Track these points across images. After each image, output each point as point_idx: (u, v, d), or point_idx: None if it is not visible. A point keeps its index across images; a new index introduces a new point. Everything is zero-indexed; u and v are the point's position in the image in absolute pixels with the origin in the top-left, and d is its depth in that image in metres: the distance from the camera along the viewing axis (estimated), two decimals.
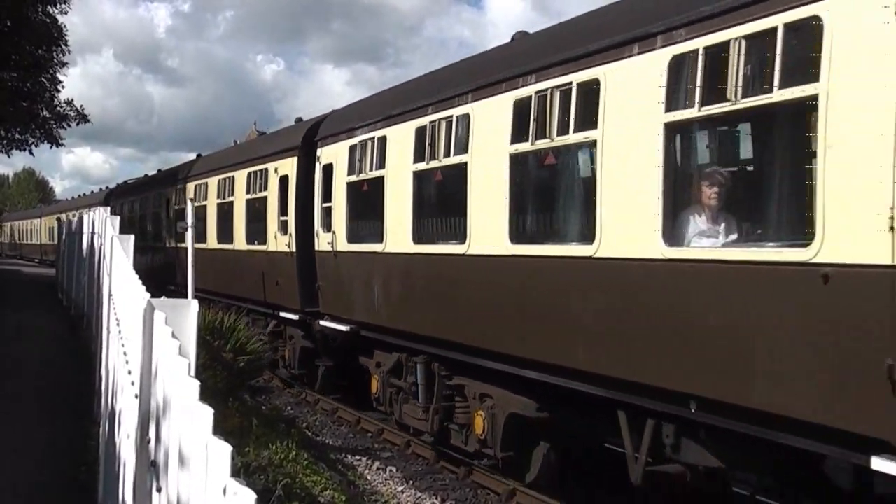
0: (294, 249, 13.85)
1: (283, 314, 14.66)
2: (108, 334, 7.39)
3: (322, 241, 12.70)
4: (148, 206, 25.66)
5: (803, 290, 5.30)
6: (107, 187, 41.23)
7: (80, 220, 18.17)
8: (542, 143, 7.68)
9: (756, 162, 6.62)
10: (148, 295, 3.96)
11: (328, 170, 12.53)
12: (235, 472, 1.95)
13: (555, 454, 9.07)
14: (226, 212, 17.51)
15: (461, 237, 8.97)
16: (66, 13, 25.90)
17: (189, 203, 14.70)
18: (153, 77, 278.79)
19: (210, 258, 17.69)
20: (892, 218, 4.75)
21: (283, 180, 14.34)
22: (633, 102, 6.61)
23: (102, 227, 11.08)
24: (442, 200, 9.73)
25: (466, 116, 8.93)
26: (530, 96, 7.83)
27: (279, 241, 14.49)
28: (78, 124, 27.94)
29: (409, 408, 10.88)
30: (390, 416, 11.83)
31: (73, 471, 7.62)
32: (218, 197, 17.98)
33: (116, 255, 7.37)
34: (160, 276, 20.97)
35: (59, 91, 27.28)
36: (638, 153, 6.52)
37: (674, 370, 6.40)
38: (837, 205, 5.08)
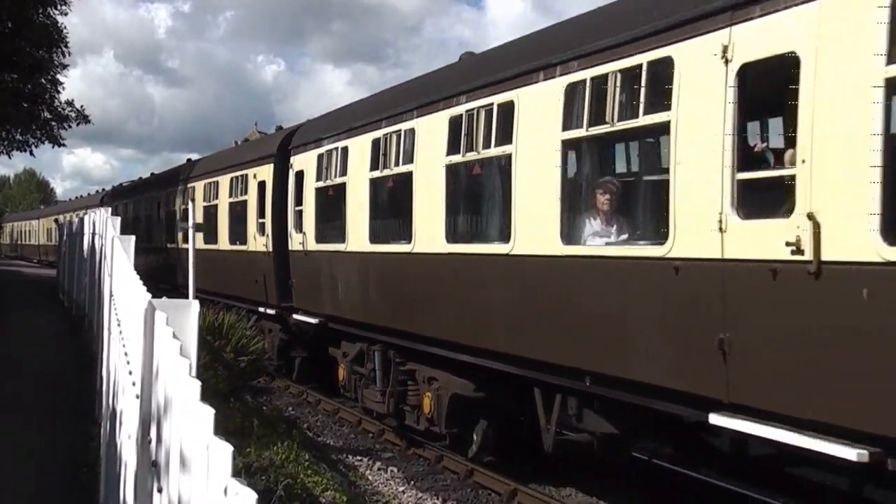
0: (271, 249, 14.99)
1: (261, 309, 15.79)
2: (108, 335, 7.36)
3: (295, 242, 13.84)
4: (141, 209, 26.80)
5: (661, 280, 6.42)
6: (103, 189, 42.37)
7: (81, 221, 18.37)
8: (471, 156, 8.82)
9: (629, 175, 7.73)
10: (149, 295, 3.98)
11: (300, 176, 13.67)
12: (236, 473, 1.95)
13: (492, 430, 10.19)
14: (211, 214, 18.63)
15: (408, 238, 10.10)
16: (66, 14, 25.88)
17: (190, 204, 14.97)
18: (154, 78, 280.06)
19: (197, 258, 18.79)
20: (720, 221, 5.87)
21: (262, 185, 15.48)
22: (539, 122, 7.74)
23: (103, 227, 11.09)
24: (393, 205, 10.85)
25: (412, 130, 10.07)
26: (462, 114, 8.97)
27: (258, 242, 15.63)
28: (79, 125, 27.80)
29: (370, 392, 12.00)
30: (355, 402, 12.95)
31: (74, 471, 7.62)
32: (204, 200, 19.12)
33: (117, 255, 7.36)
34: (154, 276, 22.08)
35: (59, 92, 27.23)
36: (542, 166, 7.65)
37: (573, 350, 7.52)
38: (684, 210, 6.20)
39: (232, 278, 17.04)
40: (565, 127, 7.39)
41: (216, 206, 18.22)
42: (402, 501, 9.64)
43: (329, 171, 12.53)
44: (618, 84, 6.83)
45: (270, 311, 15.23)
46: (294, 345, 15.48)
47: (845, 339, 5.15)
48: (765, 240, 5.56)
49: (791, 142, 5.54)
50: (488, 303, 8.69)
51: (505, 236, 8.26)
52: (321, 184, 12.83)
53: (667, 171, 6.40)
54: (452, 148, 9.16)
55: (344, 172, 11.97)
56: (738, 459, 7.82)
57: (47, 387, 11.54)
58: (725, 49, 5.84)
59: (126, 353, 4.86)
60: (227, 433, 2.17)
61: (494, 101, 8.43)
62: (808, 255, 5.27)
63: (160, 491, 3.10)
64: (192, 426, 2.43)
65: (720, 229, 5.88)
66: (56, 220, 40.78)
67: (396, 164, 10.43)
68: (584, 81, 7.20)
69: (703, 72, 6.02)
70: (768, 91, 5.76)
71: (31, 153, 28.52)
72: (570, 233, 7.46)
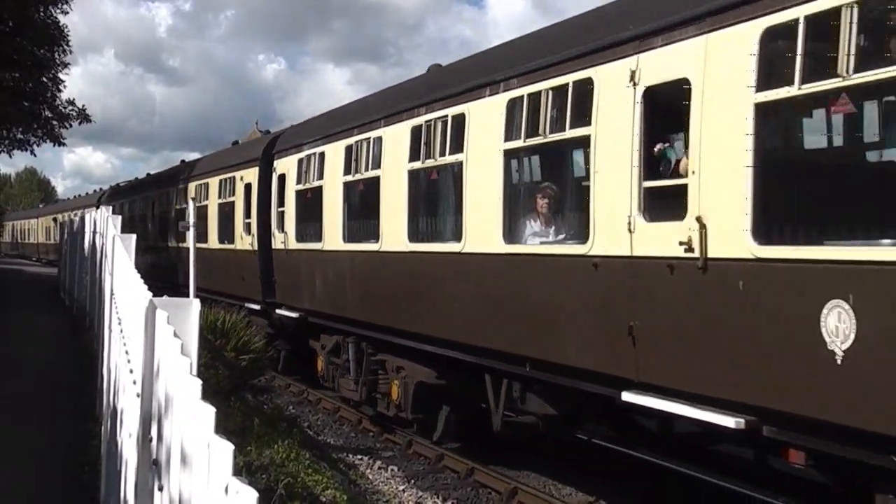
0: (256, 248, 15.83)
1: (248, 305, 16.62)
2: (109, 333, 7.37)
3: (277, 241, 14.69)
4: (136, 209, 27.65)
5: (583, 275, 7.25)
6: (100, 189, 43.23)
7: (83, 219, 18.45)
8: (430, 163, 9.67)
9: (560, 182, 8.56)
10: (150, 294, 3.98)
11: (282, 179, 14.52)
12: (237, 472, 1.94)
13: (454, 415, 11.02)
14: (202, 214, 19.45)
15: (376, 237, 10.94)
16: (67, 13, 25.71)
17: (190, 202, 14.88)
18: (154, 77, 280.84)
19: (189, 255, 19.65)
20: (629, 223, 6.71)
21: (248, 187, 16.33)
22: (486, 133, 8.57)
23: (104, 226, 11.08)
24: (363, 207, 11.69)
25: (380, 138, 10.91)
26: (422, 124, 9.81)
27: (244, 241, 16.48)
28: (80, 124, 27.41)
29: (345, 381, 12.84)
30: (333, 391, 13.79)
31: (74, 470, 7.64)
32: (195, 201, 19.92)
33: (118, 254, 7.36)
34: (149, 274, 22.90)
35: (60, 91, 26.90)
36: (488, 173, 8.49)
37: (515, 338, 8.36)
38: (601, 214, 7.04)
39: (221, 276, 17.88)
40: (507, 138, 8.23)
41: (206, 206, 19.07)
42: (403, 500, 9.65)
43: (308, 174, 13.37)
44: (549, 100, 7.67)
45: (256, 307, 16.07)
46: (279, 338, 16.31)
47: (726, 324, 5.99)
48: (664, 239, 6.39)
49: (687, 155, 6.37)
50: (444, 296, 9.53)
51: (457, 236, 9.10)
52: (301, 186, 13.67)
53: (588, 179, 7.24)
54: (414, 155, 10.00)
55: (321, 176, 12.81)
56: (665, 437, 8.68)
57: (48, 385, 11.58)
58: (633, 73, 6.68)
59: (127, 352, 4.85)
60: (228, 432, 2.26)
61: (449, 114, 9.27)
62: (697, 253, 6.09)
63: (161, 489, 3.09)
64: (193, 425, 2.42)
65: (629, 230, 6.71)
66: (55, 220, 41.64)
67: (366, 169, 11.27)
68: (522, 97, 8.04)
69: (616, 92, 6.86)
70: (668, 111, 6.57)
71: (32, 152, 28.22)
72: (511, 233, 8.29)
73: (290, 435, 10.26)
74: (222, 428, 2.19)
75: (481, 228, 8.66)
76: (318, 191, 12.88)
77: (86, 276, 15.66)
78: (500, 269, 8.43)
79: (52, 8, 25.05)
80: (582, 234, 7.37)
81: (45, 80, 26.16)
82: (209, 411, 2.22)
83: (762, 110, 5.68)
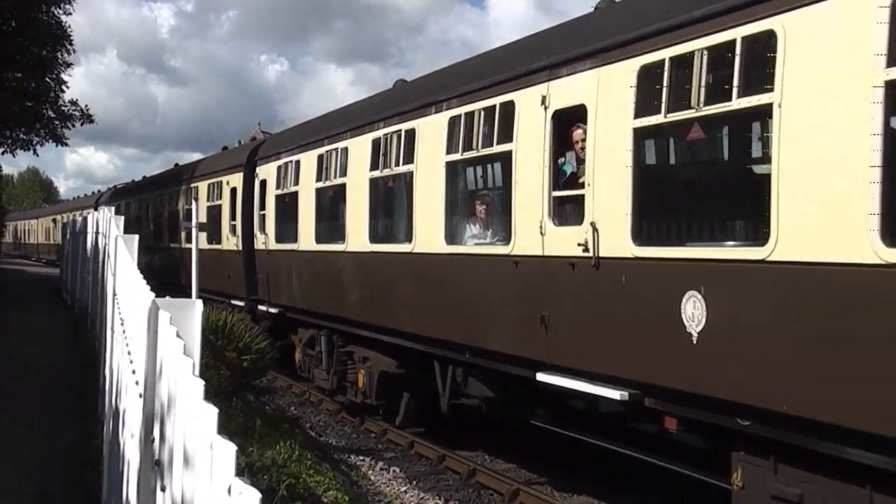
0: (241, 248, 16.94)
1: (233, 301, 17.72)
2: (112, 334, 7.37)
3: (259, 242, 15.80)
4: (132, 210, 28.77)
5: (507, 272, 8.34)
6: (98, 190, 44.38)
7: (85, 220, 18.51)
8: (387, 172, 10.77)
9: (491, 190, 9.64)
10: (152, 294, 3.99)
11: (263, 184, 15.64)
12: (239, 472, 1.95)
13: (414, 401, 12.11)
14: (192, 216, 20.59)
15: (343, 239, 12.04)
16: (69, 13, 25.81)
17: (194, 204, 14.98)
18: (157, 77, 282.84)
19: (180, 255, 20.80)
20: (541, 227, 7.80)
21: (233, 191, 17.44)
22: (432, 146, 9.67)
23: (106, 227, 11.07)
24: (332, 211, 12.79)
25: (346, 149, 12.01)
26: (381, 137, 10.91)
27: (230, 242, 17.58)
28: (83, 124, 27.61)
29: (318, 371, 13.94)
30: (309, 381, 14.87)
31: (77, 470, 7.67)
32: (186, 203, 21.06)
33: (121, 254, 7.39)
34: (142, 274, 24.01)
35: (63, 91, 27.08)
36: (433, 181, 9.58)
37: (456, 328, 9.45)
38: (520, 218, 8.13)
39: (209, 274, 18.93)
40: (448, 151, 9.34)
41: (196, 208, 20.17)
42: (405, 501, 9.69)
43: (286, 180, 14.48)
44: (482, 119, 8.77)
45: (240, 303, 17.17)
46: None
47: (612, 312, 7.08)
48: (567, 241, 7.48)
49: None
50: (400, 292, 10.63)
51: (409, 238, 10.20)
52: (280, 191, 14.78)
53: (510, 188, 8.33)
54: (374, 165, 11.11)
55: (297, 182, 13.92)
56: (592, 416, 9.78)
57: (50, 385, 11.64)
58: (544, 98, 7.79)
59: (129, 353, 4.87)
60: (230, 433, 2.30)
61: (403, 128, 10.37)
62: (591, 253, 7.19)
63: (163, 490, 3.10)
64: (195, 425, 2.43)
65: (541, 233, 7.81)
66: (54, 220, 42.78)
67: (335, 176, 12.38)
68: (460, 115, 9.14)
69: (532, 114, 7.96)
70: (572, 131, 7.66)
71: (35, 152, 28.29)
72: (452, 235, 9.39)
73: (292, 436, 10.29)
74: (224, 429, 2.19)
75: (428, 231, 9.75)
76: (295, 196, 13.98)
77: (88, 276, 15.64)
78: (442, 268, 9.54)
79: (54, 8, 25.24)
80: (507, 237, 8.46)
81: (47, 80, 26.39)
82: (212, 412, 2.22)
83: (639, 134, 6.78)
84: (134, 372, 4.39)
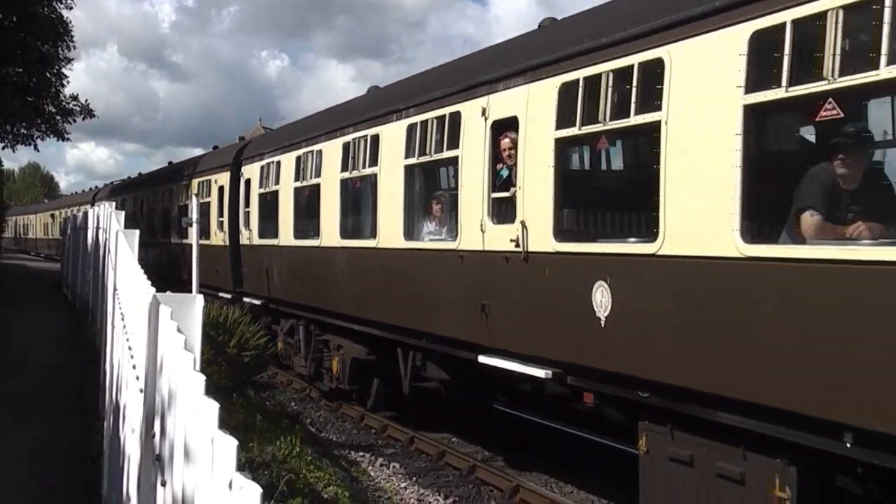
0: (227, 243, 17.89)
1: (221, 294, 18.68)
2: (112, 329, 7.39)
3: (244, 237, 16.76)
4: (128, 206, 29.69)
5: (455, 265, 9.29)
6: (95, 187, 45.33)
7: (86, 215, 18.60)
8: (355, 173, 11.72)
9: (444, 192, 10.57)
10: (153, 289, 3.99)
11: (248, 183, 16.60)
12: (240, 468, 1.95)
13: (384, 386, 13.06)
14: (184, 213, 21.53)
15: (317, 235, 12.99)
16: (71, 8, 25.71)
17: (194, 199, 14.88)
18: (158, 72, 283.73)
19: (172, 251, 21.79)
20: (482, 225, 8.74)
21: (221, 189, 18.39)
22: (393, 150, 10.61)
23: (107, 222, 11.09)
24: (308, 209, 13.73)
25: (321, 151, 12.96)
26: (350, 141, 11.86)
27: (218, 237, 18.53)
28: (84, 119, 27.40)
29: (297, 359, 14.91)
30: (290, 368, 15.83)
31: (77, 466, 7.68)
32: (178, 200, 22.03)
33: (121, 249, 7.43)
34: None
35: (64, 86, 26.79)
36: (394, 183, 10.53)
37: (415, 316, 10.39)
38: (465, 217, 9.07)
39: (199, 268, 19.91)
40: (406, 155, 10.28)
41: (187, 205, 21.12)
42: (405, 497, 9.73)
43: (268, 180, 15.44)
44: (434, 127, 9.71)
45: (227, 295, 18.13)
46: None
47: (539, 300, 8.02)
48: (503, 238, 8.42)
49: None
50: (367, 284, 11.58)
51: (374, 234, 11.14)
52: (262, 190, 15.73)
53: (457, 190, 9.28)
54: (344, 166, 12.05)
55: (277, 182, 14.87)
56: (538, 398, 10.74)
57: (50, 381, 11.68)
58: (485, 110, 8.72)
59: (130, 348, 4.87)
60: (230, 428, 2.28)
61: (368, 133, 11.32)
62: (522, 248, 8.13)
63: (164, 485, 3.11)
64: (196, 420, 2.43)
65: (482, 230, 8.75)
66: (52, 216, 43.73)
67: (311, 177, 13.33)
68: (416, 123, 10.08)
69: (475, 124, 8.90)
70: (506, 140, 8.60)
71: (36, 147, 28.06)
72: (410, 232, 10.34)
73: (292, 431, 10.37)
74: (225, 424, 2.18)
75: (389, 228, 10.70)
76: (276, 194, 14.93)
77: (88, 271, 15.67)
78: (402, 261, 10.49)
79: (55, 3, 25.09)
80: (455, 234, 9.40)
81: (48, 75, 26.14)
82: (213, 407, 2.22)
83: (559, 143, 7.71)
84: (135, 367, 4.39)
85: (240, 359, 12.17)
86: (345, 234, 12.17)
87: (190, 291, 19.09)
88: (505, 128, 8.55)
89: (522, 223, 8.09)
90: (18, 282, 29.98)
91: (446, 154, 9.47)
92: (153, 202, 25.69)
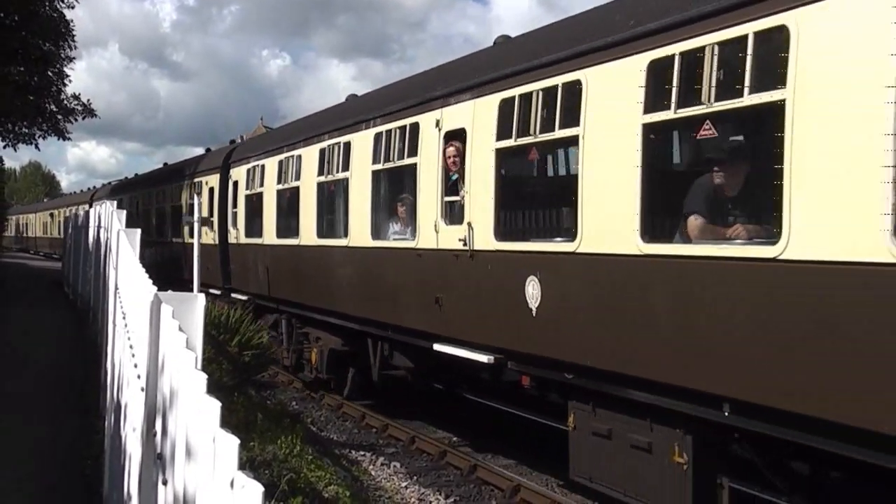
0: (217, 242, 18.85)
1: (211, 290, 19.64)
2: (113, 328, 7.40)
3: (231, 236, 17.73)
4: (123, 206, 30.67)
5: (413, 262, 10.24)
6: (92, 187, 46.33)
7: (87, 214, 18.86)
8: (330, 177, 12.68)
9: (406, 195, 11.52)
10: (155, 288, 3.99)
11: (236, 185, 17.57)
12: (241, 467, 1.96)
13: (358, 375, 14.00)
14: (178, 213, 22.52)
15: (297, 234, 13.95)
16: (72, 7, 25.95)
17: (196, 198, 15.32)
18: (159, 71, 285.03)
19: (165, 249, 22.77)
20: (436, 226, 9.69)
21: (211, 191, 19.35)
22: (362, 157, 11.57)
23: (108, 221, 11.13)
24: (290, 209, 14.69)
25: (300, 156, 13.91)
26: (325, 147, 12.81)
27: (208, 236, 19.46)
28: (84, 118, 27.64)
29: (280, 351, 15.85)
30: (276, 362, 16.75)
31: (78, 464, 7.69)
32: (171, 201, 23.00)
33: (123, 248, 7.44)
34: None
35: (66, 85, 27.05)
36: (363, 186, 11.48)
37: (381, 309, 11.34)
38: (422, 219, 10.02)
39: (191, 265, 20.89)
40: (373, 161, 11.24)
41: (180, 206, 22.12)
42: (405, 497, 9.76)
43: (253, 182, 16.40)
44: (397, 136, 10.66)
45: (217, 292, 19.09)
46: None
47: (483, 293, 8.97)
48: (453, 237, 9.37)
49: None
50: (341, 279, 12.53)
51: (346, 234, 12.10)
52: (248, 192, 16.70)
53: (415, 195, 10.23)
54: (321, 171, 13.01)
55: (262, 184, 15.83)
56: (495, 384, 11.68)
57: (51, 380, 11.74)
58: (438, 122, 9.67)
59: (131, 346, 4.87)
60: (232, 427, 2.18)
61: (341, 141, 12.27)
62: (468, 247, 9.07)
63: (165, 483, 3.11)
64: (198, 419, 2.44)
65: (436, 231, 9.70)
66: (51, 215, 44.70)
67: (291, 180, 14.29)
68: (382, 132, 11.04)
69: (431, 134, 9.85)
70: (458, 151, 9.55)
71: (37, 146, 28.28)
72: (376, 232, 11.29)
73: (293, 431, 10.41)
74: (226, 423, 2.19)
75: (359, 228, 11.66)
76: (260, 196, 15.90)
77: (90, 270, 15.76)
78: (369, 259, 11.45)
79: (57, 2, 25.39)
80: (414, 234, 10.35)
81: (50, 74, 26.37)
82: (215, 405, 2.23)
83: (499, 153, 8.66)
84: (136, 366, 4.39)
85: (241, 358, 12.20)
86: (321, 233, 13.12)
87: (184, 290, 20.03)
88: (455, 138, 9.49)
89: (469, 224, 9.03)
90: (19, 280, 30.03)
91: (407, 161, 10.43)
92: (148, 202, 26.66)
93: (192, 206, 20.01)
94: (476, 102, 9.06)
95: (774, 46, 5.76)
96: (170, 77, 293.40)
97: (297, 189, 14.02)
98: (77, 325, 16.90)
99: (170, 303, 3.55)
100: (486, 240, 8.82)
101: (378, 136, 11.17)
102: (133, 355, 4.67)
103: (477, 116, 9.01)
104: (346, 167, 12.12)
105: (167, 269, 21.85)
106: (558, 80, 7.79)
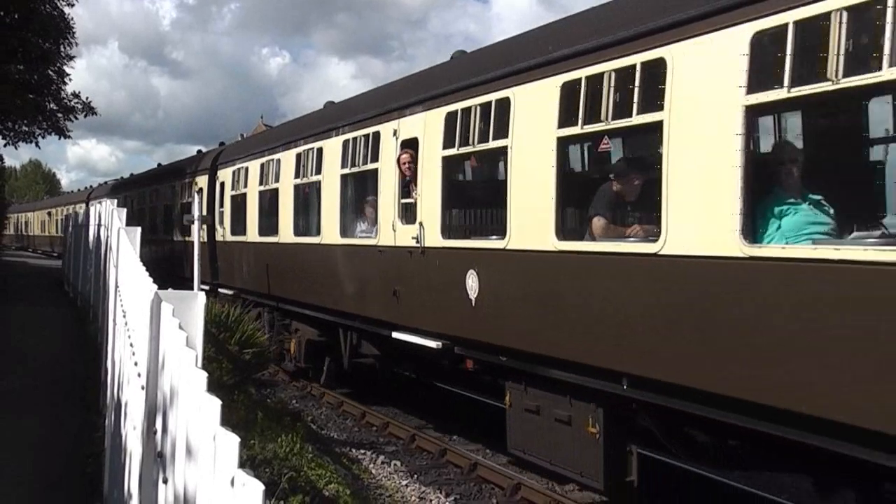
0: (206, 240, 19.89)
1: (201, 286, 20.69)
2: (114, 326, 7.42)
3: (219, 234, 18.79)
4: (119, 205, 31.74)
5: (374, 257, 11.28)
6: (89, 186, 47.39)
7: (87, 212, 18.90)
8: (305, 180, 13.73)
9: (370, 198, 12.56)
10: (155, 286, 3.99)
11: (222, 186, 18.62)
12: (241, 465, 1.96)
13: (334, 364, 15.05)
14: (170, 212, 23.58)
15: (277, 232, 15.00)
16: (72, 5, 25.98)
17: (196, 196, 15.36)
18: (159, 69, 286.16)
19: (159, 247, 23.83)
20: (393, 225, 10.73)
21: (200, 191, 20.38)
22: (333, 162, 12.61)
23: (109, 219, 11.21)
24: (270, 209, 15.75)
25: (279, 160, 14.96)
26: (301, 152, 13.87)
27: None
28: (85, 116, 27.61)
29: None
30: None
31: (78, 462, 7.71)
32: (164, 201, 24.06)
33: (123, 246, 7.47)
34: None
35: (66, 83, 27.08)
36: (332, 189, 12.53)
37: (350, 301, 12.39)
38: (382, 219, 11.06)
39: (181, 262, 21.96)
40: (342, 166, 12.29)
41: (172, 205, 23.18)
42: (406, 495, 9.80)
43: (238, 183, 17.45)
44: (361, 143, 11.71)
45: (205, 287, 20.12)
46: None
47: (432, 285, 10.01)
48: (408, 235, 10.40)
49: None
50: (315, 274, 13.59)
51: (318, 232, 13.15)
52: (234, 192, 17.76)
53: (377, 196, 11.28)
54: (296, 174, 14.06)
55: (245, 185, 16.88)
56: (458, 373, 12.71)
57: (52, 378, 11.76)
58: (396, 131, 10.72)
59: (131, 345, 4.88)
60: (232, 425, 2.16)
61: (314, 146, 13.32)
62: (420, 244, 10.12)
63: (165, 482, 3.11)
64: (198, 417, 2.44)
65: (394, 229, 10.75)
66: (49, 214, 45.71)
67: (272, 182, 15.34)
68: (349, 139, 12.09)
69: (389, 142, 10.90)
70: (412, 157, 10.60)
71: (37, 144, 28.42)
72: (343, 230, 12.34)
73: (293, 429, 10.45)
74: (226, 421, 2.19)
75: (329, 227, 12.71)
76: (244, 196, 16.96)
77: (90, 268, 15.82)
78: (338, 255, 12.50)
79: (57, 0, 25.39)
80: (376, 232, 11.39)
81: (50, 72, 26.40)
82: (215, 403, 2.24)
83: (445, 160, 9.71)
84: (136, 364, 4.39)
85: (241, 356, 12.14)
86: (297, 232, 14.18)
87: (178, 286, 21.04)
88: (410, 146, 10.54)
89: (420, 223, 10.08)
90: (19, 278, 29.93)
91: (370, 166, 11.48)
92: (143, 201, 27.71)
93: (189, 204, 21.18)
94: (426, 115, 10.10)
95: (656, 75, 6.80)
96: (170, 75, 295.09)
97: (276, 190, 15.07)
98: (77, 322, 17.01)
99: (170, 301, 3.57)
100: (434, 237, 9.86)
101: (346, 143, 12.22)
102: (133, 353, 4.68)
103: (427, 127, 10.05)
104: (318, 171, 13.17)
105: (161, 266, 22.88)
106: (492, 97, 8.83)
